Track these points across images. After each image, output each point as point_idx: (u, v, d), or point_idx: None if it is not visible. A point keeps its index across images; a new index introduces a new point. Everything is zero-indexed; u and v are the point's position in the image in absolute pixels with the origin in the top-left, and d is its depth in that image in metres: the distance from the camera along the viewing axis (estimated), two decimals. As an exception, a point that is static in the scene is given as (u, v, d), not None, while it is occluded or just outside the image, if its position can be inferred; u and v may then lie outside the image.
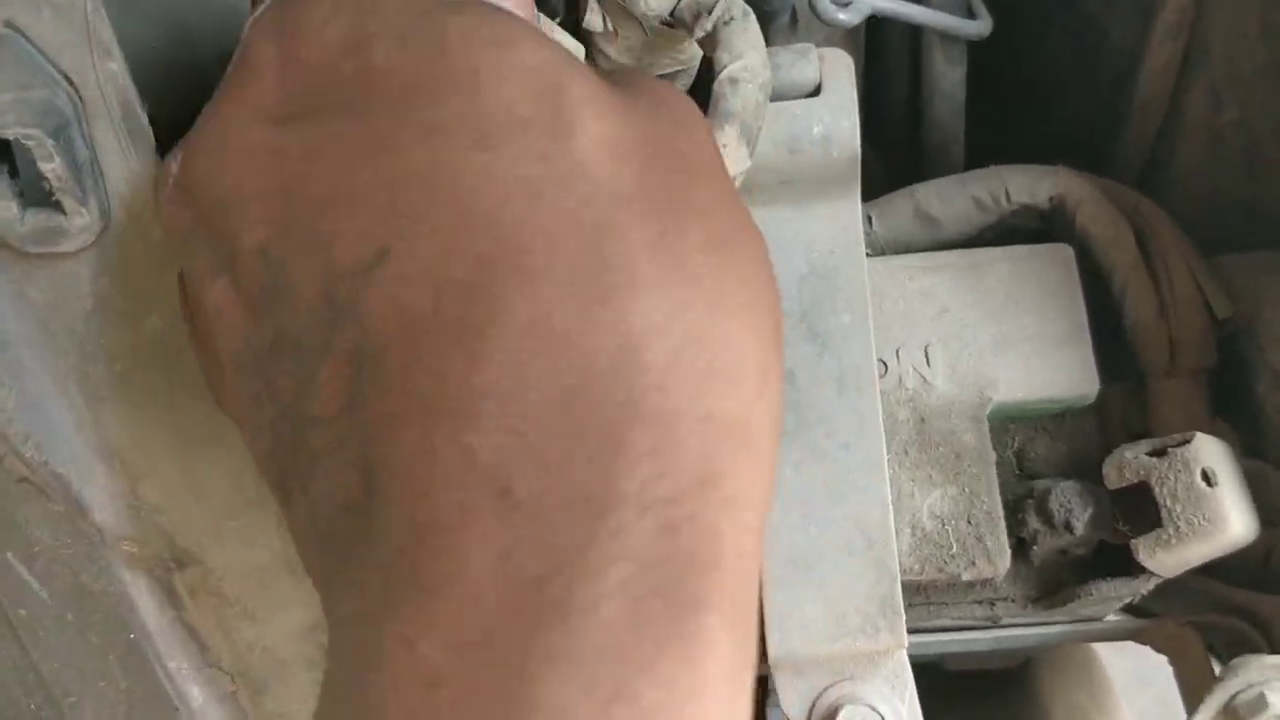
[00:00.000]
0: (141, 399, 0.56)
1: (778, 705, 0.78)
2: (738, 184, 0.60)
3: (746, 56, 0.59)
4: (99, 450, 0.58)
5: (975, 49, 0.78)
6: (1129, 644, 0.75)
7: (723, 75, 0.59)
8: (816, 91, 0.69)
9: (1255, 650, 0.66)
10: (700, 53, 0.64)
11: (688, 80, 0.67)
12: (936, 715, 1.04)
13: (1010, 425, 0.70)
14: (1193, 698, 0.64)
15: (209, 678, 0.63)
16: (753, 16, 0.59)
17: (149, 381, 0.56)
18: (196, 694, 0.63)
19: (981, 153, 0.83)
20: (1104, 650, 1.14)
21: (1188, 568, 0.63)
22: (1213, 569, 0.67)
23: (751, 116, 0.60)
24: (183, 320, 0.52)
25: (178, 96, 0.74)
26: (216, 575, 0.61)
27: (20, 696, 0.62)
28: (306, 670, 0.63)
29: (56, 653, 0.60)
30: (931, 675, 0.89)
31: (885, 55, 0.84)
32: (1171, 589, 0.69)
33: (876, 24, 0.80)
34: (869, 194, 0.77)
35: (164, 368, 0.56)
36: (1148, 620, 0.70)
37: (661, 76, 0.66)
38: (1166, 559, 0.61)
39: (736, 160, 0.59)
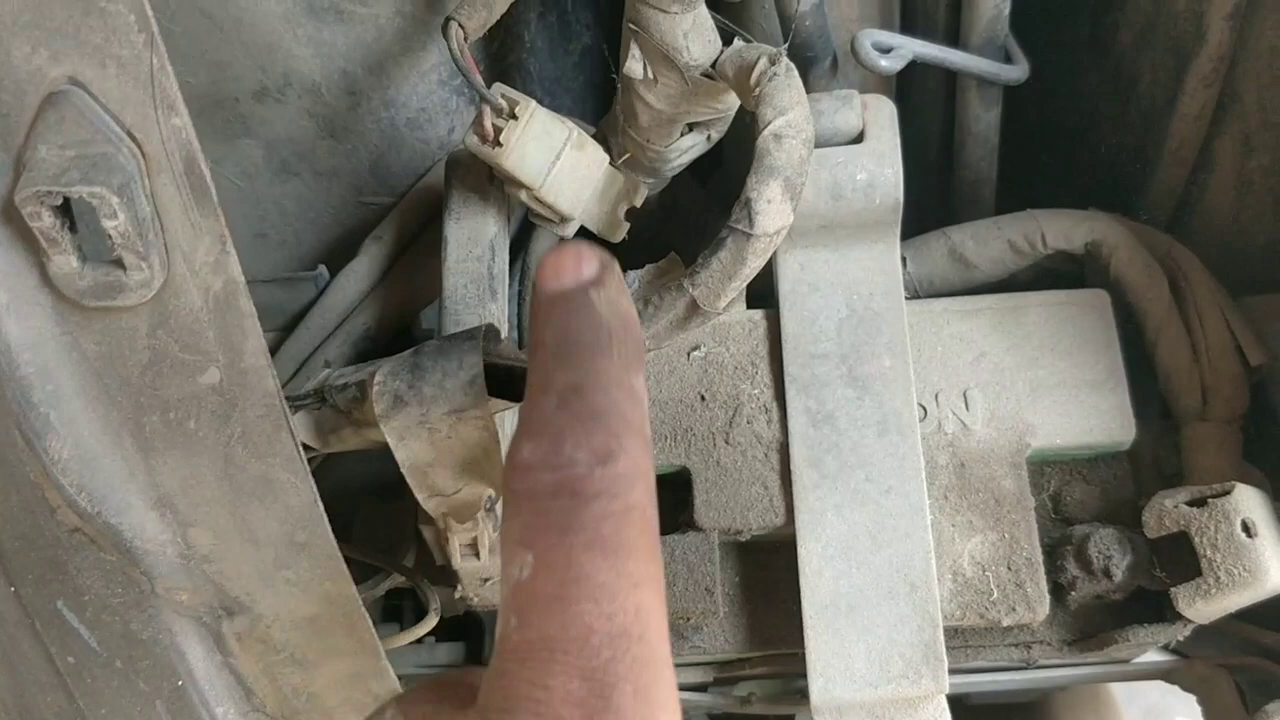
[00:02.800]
0: (195, 449, 0.56)
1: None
2: (780, 239, 0.61)
3: (791, 112, 0.59)
4: (150, 499, 0.58)
5: (1008, 91, 0.78)
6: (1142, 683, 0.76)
7: (766, 131, 0.59)
8: (860, 138, 0.69)
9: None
10: (737, 102, 0.65)
11: (723, 128, 0.67)
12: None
13: (1046, 469, 0.71)
14: (1225, 739, 0.65)
15: (254, 722, 0.63)
16: (795, 72, 0.59)
17: (203, 432, 0.56)
18: (241, 738, 0.63)
19: (1011, 194, 0.83)
20: (1118, 687, 1.15)
21: (1222, 614, 0.64)
22: (1242, 611, 0.68)
23: (795, 172, 0.60)
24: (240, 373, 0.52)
25: (212, 128, 0.75)
26: (265, 623, 0.61)
27: (66, 743, 0.62)
28: (352, 716, 0.63)
29: (104, 699, 0.60)
30: (957, 711, 0.90)
31: (917, 96, 0.85)
32: (1203, 630, 0.70)
33: (910, 65, 0.80)
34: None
35: (220, 418, 0.56)
36: (1178, 660, 0.70)
37: (696, 124, 0.66)
38: (1206, 608, 0.62)
39: (780, 215, 0.60)
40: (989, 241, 0.74)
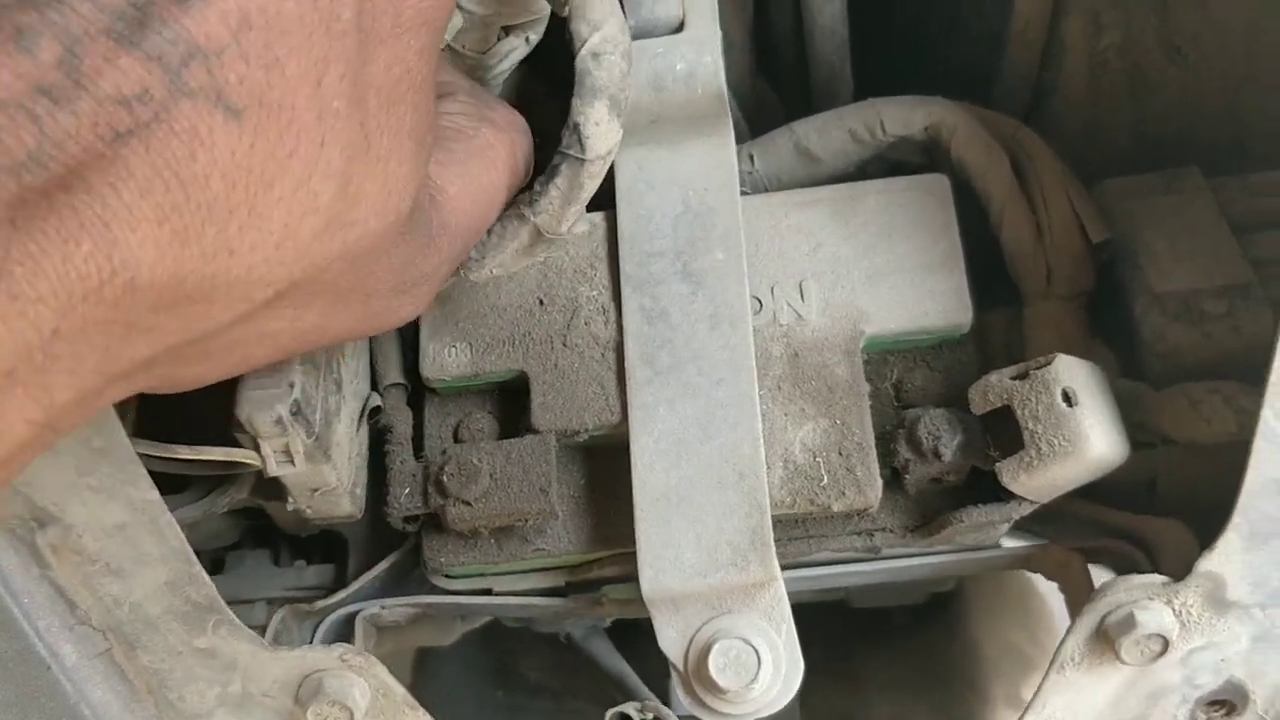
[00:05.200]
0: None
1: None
2: (612, 156, 0.60)
3: (605, 26, 0.58)
4: (-54, 409, 0.57)
5: (862, -13, 0.77)
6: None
7: (584, 51, 0.58)
8: (680, 27, 0.68)
9: (1143, 572, 0.66)
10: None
11: (539, 30, 0.66)
12: (858, 654, 1.04)
13: (889, 357, 0.70)
14: (1076, 621, 0.64)
15: (80, 635, 0.63)
16: None
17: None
18: (69, 652, 0.62)
19: (873, 88, 0.82)
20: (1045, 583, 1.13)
21: (1057, 491, 0.62)
22: (1098, 494, 0.67)
23: (619, 88, 0.59)
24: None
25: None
26: (77, 532, 0.60)
27: (-111, 660, 0.62)
28: (178, 624, 0.62)
29: (-79, 616, 0.60)
30: (845, 615, 0.89)
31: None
32: (1059, 515, 0.69)
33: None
34: (767, 127, 0.76)
35: None
36: (1033, 546, 0.69)
37: (513, 28, 0.65)
38: (1030, 481, 0.61)
39: (610, 135, 0.59)
40: (831, 133, 0.73)
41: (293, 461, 0.62)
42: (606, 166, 0.61)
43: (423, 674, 1.12)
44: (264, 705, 0.64)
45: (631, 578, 0.70)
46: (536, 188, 0.61)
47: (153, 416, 0.70)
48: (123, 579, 0.61)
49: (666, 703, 0.84)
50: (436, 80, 0.53)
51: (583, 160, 0.59)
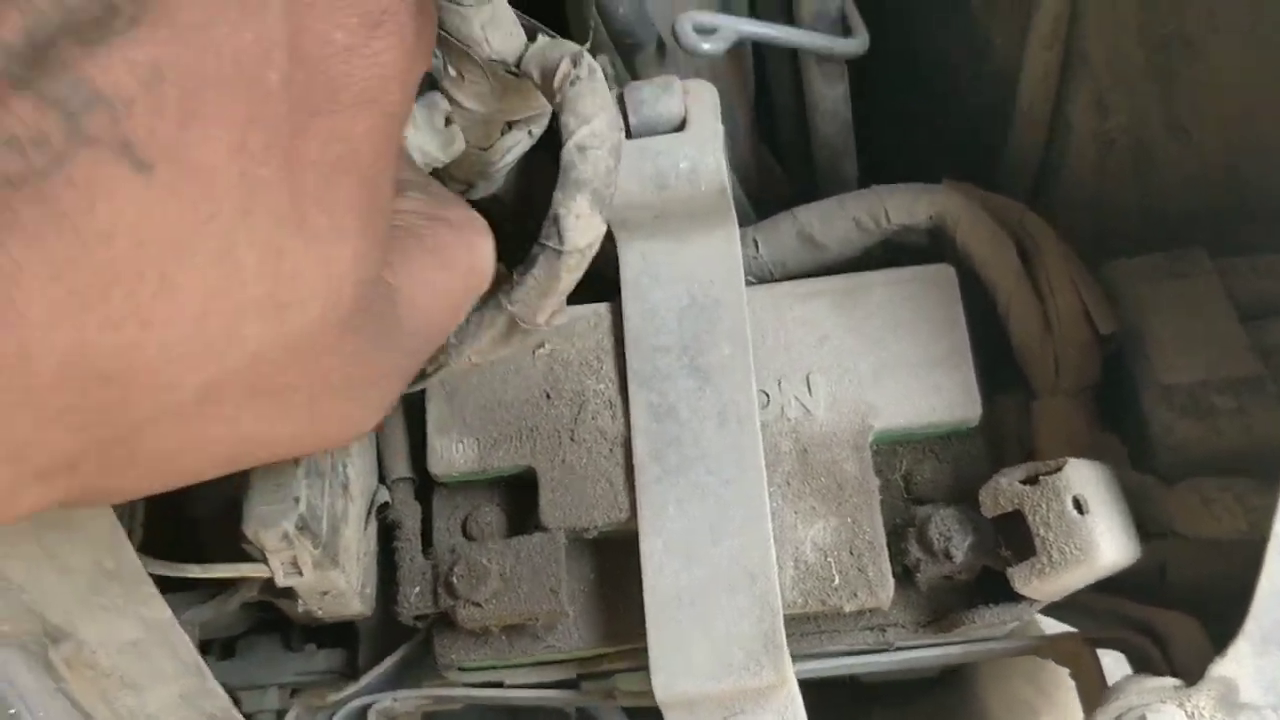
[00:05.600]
0: (-7, 483, 0.56)
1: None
2: (593, 251, 0.60)
3: (594, 121, 0.58)
4: (-43, 534, 0.57)
5: (862, 64, 0.77)
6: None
7: (570, 144, 0.58)
8: (682, 125, 0.68)
9: (1155, 666, 0.66)
10: None
11: (542, 124, 0.66)
12: (866, 713, 1.04)
13: (898, 448, 0.70)
14: (1091, 714, 0.64)
15: (94, 748, 0.63)
16: (599, 74, 0.58)
17: None
18: (83, 764, 0.63)
19: (878, 168, 0.82)
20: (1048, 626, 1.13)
21: (1068, 592, 0.62)
22: (1109, 583, 0.67)
23: (603, 184, 0.59)
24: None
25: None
26: (90, 649, 0.60)
27: (-94, 779, 0.62)
28: (191, 736, 0.63)
29: (-65, 733, 0.60)
30: (853, 683, 0.89)
31: (772, 75, 0.83)
32: (1073, 603, 0.68)
33: (761, 48, 0.79)
34: (771, 201, 0.76)
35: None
36: (1043, 638, 0.69)
37: (516, 122, 0.65)
38: (1042, 587, 0.61)
39: (590, 229, 0.59)
40: (834, 221, 0.73)
41: (300, 572, 0.62)
42: (586, 261, 0.60)
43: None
44: (278, 813, 0.64)
45: (644, 667, 0.70)
46: (515, 277, 0.61)
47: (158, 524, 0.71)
48: (138, 693, 0.61)
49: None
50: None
51: (560, 252, 0.59)
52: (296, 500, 0.60)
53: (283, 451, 0.47)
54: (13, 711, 0.61)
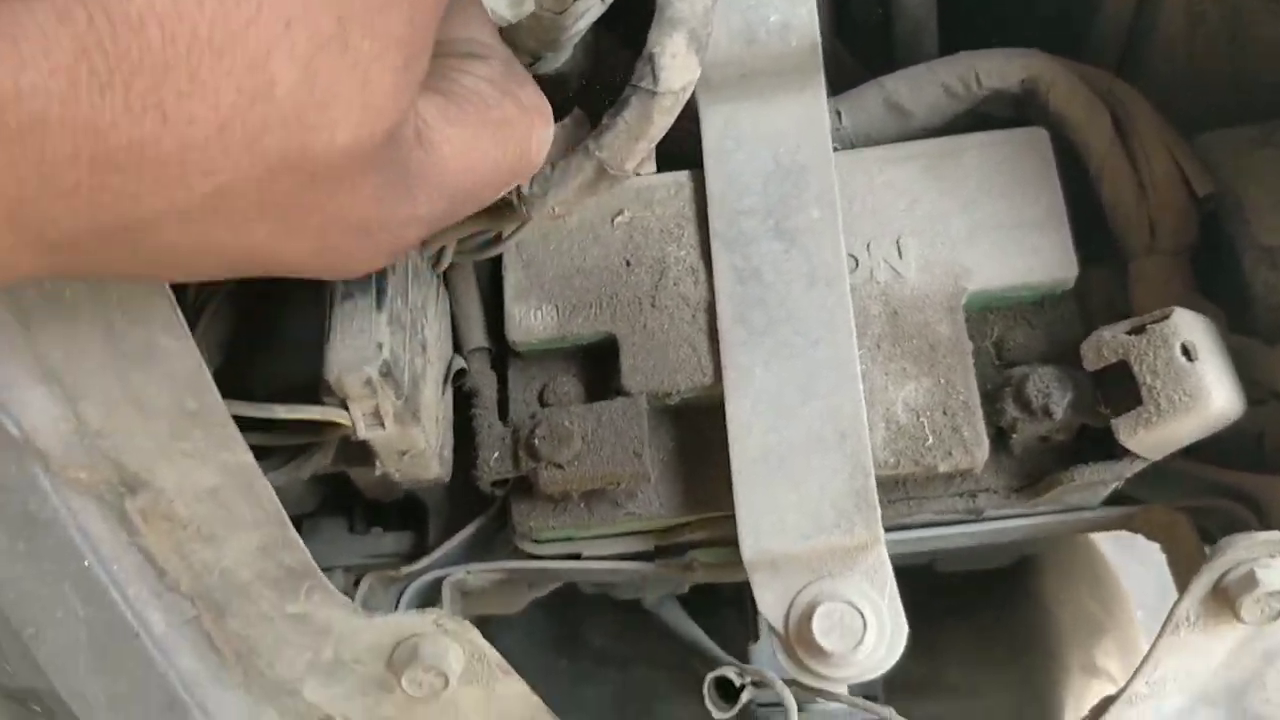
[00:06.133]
0: (74, 317, 0.55)
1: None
2: (687, 94, 0.58)
3: None
4: (36, 374, 0.56)
5: (943, -69, 0.75)
6: (1135, 544, 0.73)
7: None
8: (772, -25, 0.66)
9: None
10: None
11: None
12: (934, 621, 1.03)
13: (989, 315, 0.68)
14: (1184, 582, 0.62)
15: (169, 603, 0.62)
16: None
17: (80, 299, 0.54)
18: (158, 619, 0.61)
19: (957, 41, 0.79)
20: (1109, 551, 1.11)
21: (1173, 448, 0.60)
22: (1203, 451, 0.65)
23: (700, 23, 0.57)
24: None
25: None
26: (168, 498, 0.59)
27: (-21, 633, 0.61)
28: (270, 589, 0.61)
29: (10, 584, 0.59)
30: (926, 580, 0.88)
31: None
32: (1161, 474, 0.67)
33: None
34: (843, 89, 0.74)
35: (94, 284, 0.54)
36: (1138, 507, 0.67)
37: None
38: (1148, 438, 0.59)
39: (686, 70, 0.57)
40: (923, 87, 0.71)
41: (382, 424, 0.60)
42: (679, 104, 0.58)
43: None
44: (355, 672, 0.63)
45: (722, 541, 0.68)
46: (605, 121, 0.59)
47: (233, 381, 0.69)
48: (214, 544, 0.60)
49: (745, 669, 0.83)
50: (471, 40, 0.50)
51: (654, 94, 0.57)
52: (380, 346, 0.58)
53: (283, 270, 0.45)
54: (86, 564, 0.60)
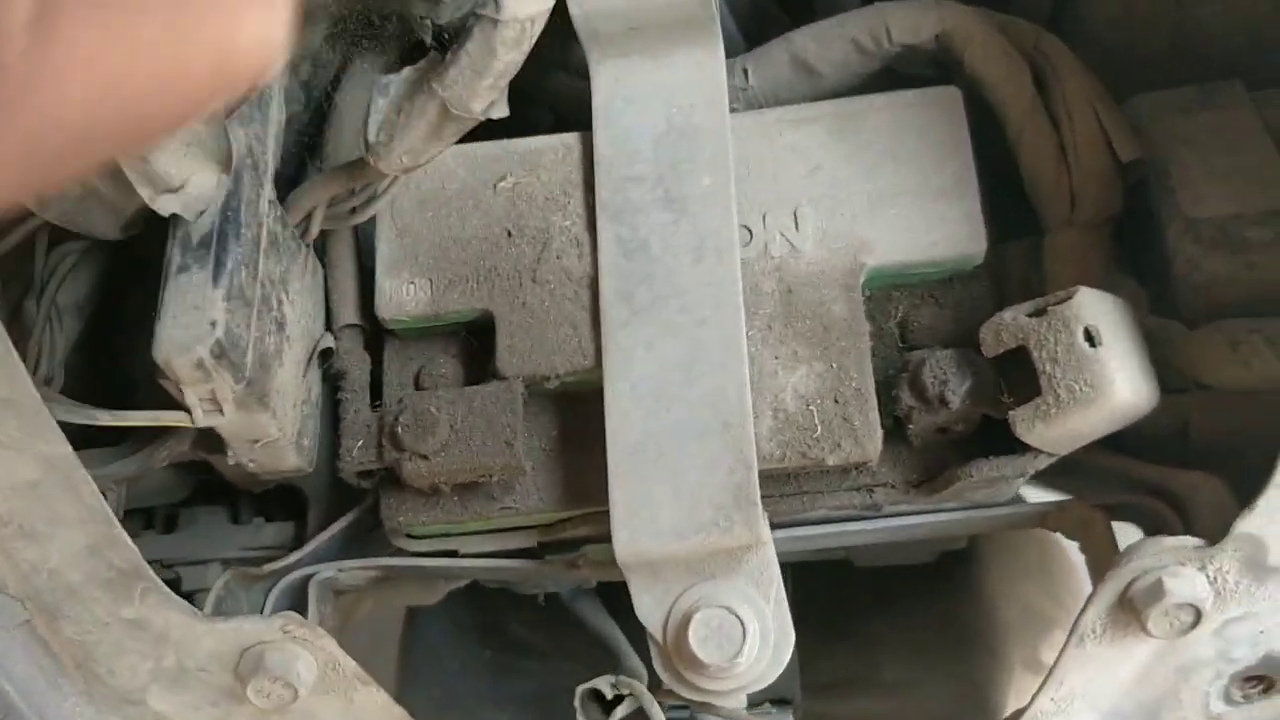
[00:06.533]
0: None
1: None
2: (536, 27, 0.52)
3: None
4: None
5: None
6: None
7: None
8: (657, -82, 0.61)
9: (1172, 531, 0.59)
10: None
11: None
12: (868, 615, 0.98)
13: (894, 293, 0.63)
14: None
15: (-1, 605, 0.57)
16: None
17: None
18: (-13, 623, 0.57)
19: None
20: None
21: (1078, 443, 0.55)
22: (1124, 444, 0.60)
23: None
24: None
25: None
26: (-15, 493, 0.54)
27: None
28: (102, 592, 0.56)
29: None
30: (852, 573, 0.83)
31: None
32: (1080, 468, 0.62)
33: None
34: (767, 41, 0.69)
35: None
36: (1050, 503, 0.62)
37: None
38: (1048, 432, 0.54)
39: None
40: (832, 43, 0.65)
41: (221, 410, 0.55)
42: (527, 37, 0.52)
43: (412, 631, 1.06)
44: (201, 680, 0.58)
45: (608, 537, 0.64)
46: (446, 57, 0.54)
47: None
48: (38, 543, 0.55)
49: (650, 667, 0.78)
50: None
51: (496, 21, 0.51)
52: (213, 325, 0.53)
53: (154, 103, 0.37)
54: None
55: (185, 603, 0.57)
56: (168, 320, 0.54)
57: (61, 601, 0.57)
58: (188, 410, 0.55)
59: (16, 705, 0.57)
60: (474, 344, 0.65)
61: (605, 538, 0.64)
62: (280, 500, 0.75)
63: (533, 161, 0.64)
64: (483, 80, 0.53)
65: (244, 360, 0.55)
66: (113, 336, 0.71)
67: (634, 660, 0.79)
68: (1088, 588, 1.02)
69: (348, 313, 0.66)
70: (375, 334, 0.66)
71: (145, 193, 0.53)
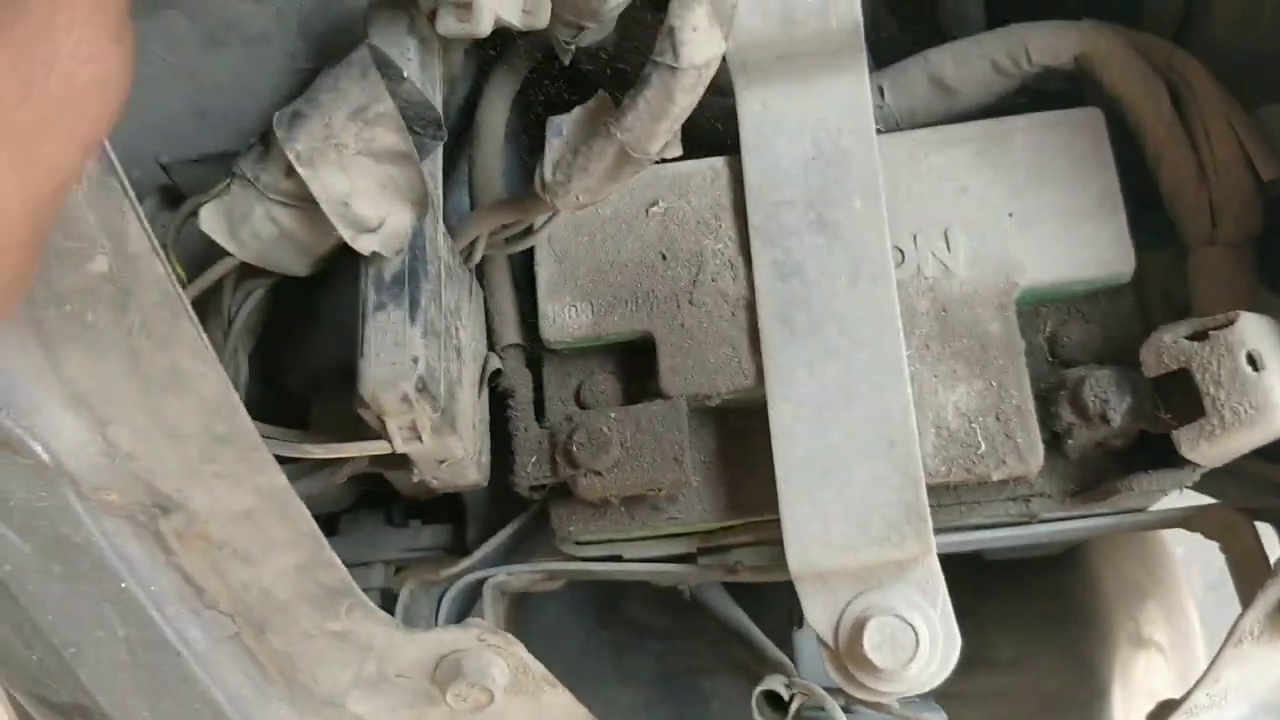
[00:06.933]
0: (97, 343, 0.53)
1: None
2: (710, 71, 0.55)
3: None
4: (63, 398, 0.55)
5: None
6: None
7: None
8: (811, -47, 0.63)
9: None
10: None
11: None
12: (981, 595, 1.01)
13: (1041, 310, 0.65)
14: (1247, 589, 0.61)
15: (209, 620, 0.61)
16: None
17: (102, 324, 0.53)
18: (198, 637, 0.61)
19: (1006, 13, 0.76)
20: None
21: (1235, 455, 0.58)
22: (1269, 450, 0.63)
23: None
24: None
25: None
26: (202, 519, 0.58)
27: (21, 649, 0.60)
28: (309, 608, 0.60)
29: (49, 605, 0.58)
30: (971, 558, 0.86)
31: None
32: (1223, 471, 0.64)
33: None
34: (887, 59, 0.71)
35: (117, 309, 0.52)
36: (1196, 507, 0.65)
37: None
38: (1210, 451, 0.57)
39: (708, 45, 0.54)
40: (970, 62, 0.68)
41: (420, 438, 0.59)
42: (702, 82, 0.55)
43: (524, 612, 1.10)
44: (400, 686, 0.62)
45: (767, 543, 0.67)
46: (625, 102, 0.56)
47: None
48: (251, 564, 0.59)
49: (790, 657, 0.82)
50: None
51: (675, 69, 0.54)
52: (415, 360, 0.57)
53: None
54: (123, 585, 0.59)
55: (387, 615, 0.60)
56: (371, 358, 0.57)
57: (270, 617, 0.60)
58: (389, 439, 0.58)
59: (225, 711, 0.61)
60: (630, 361, 0.68)
61: (762, 543, 0.67)
62: (433, 505, 0.79)
63: (682, 186, 0.67)
64: (661, 124, 0.56)
65: (439, 390, 0.58)
66: (269, 353, 0.75)
67: (773, 650, 0.83)
68: (1172, 557, 1.05)
69: (510, 333, 0.69)
70: (534, 352, 0.69)
71: (346, 234, 0.57)
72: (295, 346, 0.77)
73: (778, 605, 0.94)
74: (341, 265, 0.78)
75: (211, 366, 0.54)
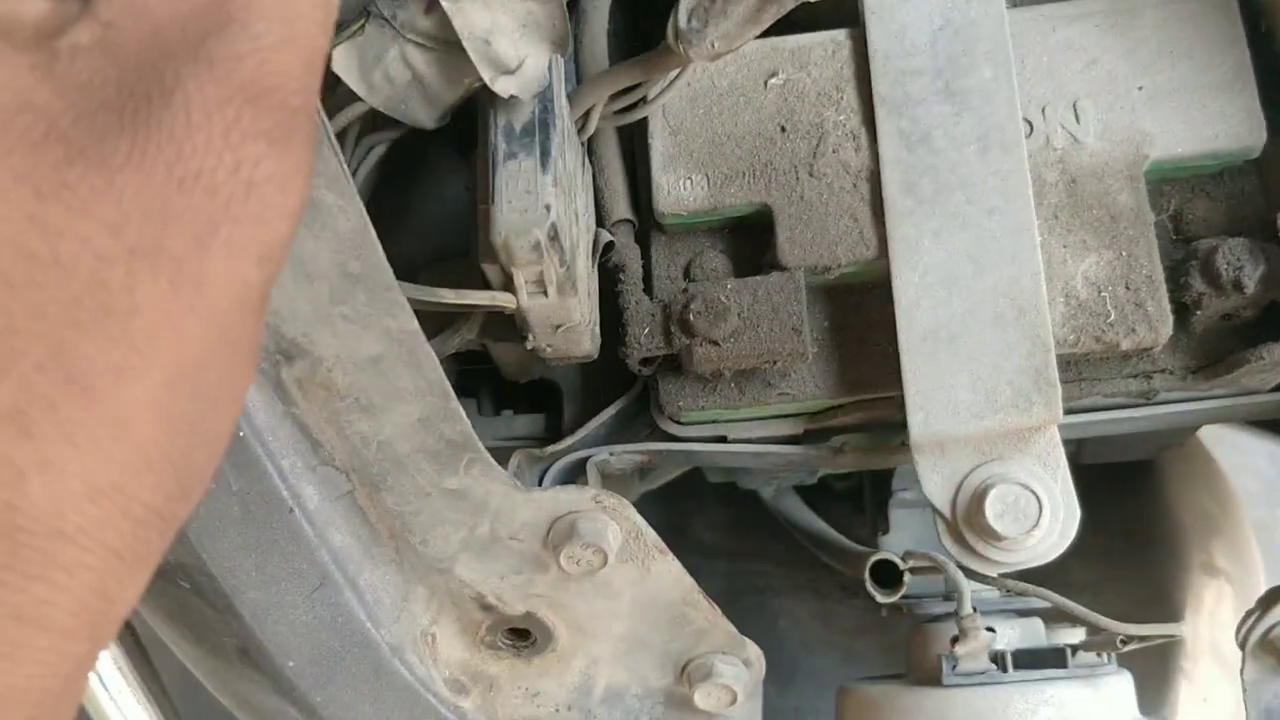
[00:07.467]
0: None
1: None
2: None
3: None
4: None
5: None
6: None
7: None
8: None
9: None
10: None
11: None
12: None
13: (1165, 187, 0.65)
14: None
15: (324, 477, 0.60)
16: None
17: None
18: (312, 494, 0.60)
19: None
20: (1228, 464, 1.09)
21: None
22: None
23: None
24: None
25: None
26: (326, 366, 0.57)
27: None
28: (428, 463, 0.59)
29: (164, 455, 0.57)
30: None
31: None
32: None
33: None
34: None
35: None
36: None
37: None
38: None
39: None
40: (1099, -63, 0.67)
41: (545, 292, 0.58)
42: None
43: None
44: (511, 549, 0.61)
45: (875, 425, 0.66)
46: None
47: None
48: (373, 416, 0.58)
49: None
50: None
51: None
52: (548, 208, 0.56)
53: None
54: (241, 435, 0.58)
55: (505, 472, 0.59)
56: (503, 204, 0.56)
57: (387, 473, 0.59)
58: (514, 292, 0.58)
59: (331, 573, 0.60)
60: (740, 238, 0.67)
61: (869, 425, 0.67)
62: (524, 398, 0.78)
63: (802, 58, 0.66)
64: None
65: (567, 244, 0.58)
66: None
67: (856, 549, 0.82)
68: (1238, 495, 1.05)
69: (620, 208, 0.68)
70: (641, 230, 0.69)
71: (487, 74, 0.56)
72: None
73: (846, 520, 0.94)
74: (433, 157, 0.77)
75: (350, 201, 0.53)
